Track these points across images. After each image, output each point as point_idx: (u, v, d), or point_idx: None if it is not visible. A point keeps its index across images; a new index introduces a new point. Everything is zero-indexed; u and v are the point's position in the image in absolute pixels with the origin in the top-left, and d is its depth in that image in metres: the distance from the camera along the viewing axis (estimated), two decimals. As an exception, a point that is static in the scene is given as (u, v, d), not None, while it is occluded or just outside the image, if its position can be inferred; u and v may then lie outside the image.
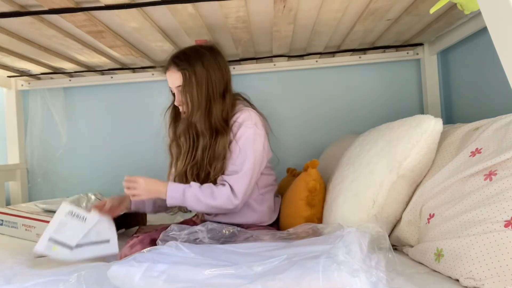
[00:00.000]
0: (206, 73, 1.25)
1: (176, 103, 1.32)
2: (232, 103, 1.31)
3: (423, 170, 1.10)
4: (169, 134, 1.40)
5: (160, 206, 1.42)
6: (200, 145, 1.29)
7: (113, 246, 1.20)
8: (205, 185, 1.24)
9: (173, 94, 1.36)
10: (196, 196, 1.20)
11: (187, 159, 1.31)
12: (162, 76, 2.00)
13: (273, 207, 1.38)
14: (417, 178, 1.11)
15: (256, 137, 1.25)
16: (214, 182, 1.27)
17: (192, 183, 1.24)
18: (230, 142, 1.25)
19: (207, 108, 1.26)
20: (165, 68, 1.33)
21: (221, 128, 1.26)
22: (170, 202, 1.22)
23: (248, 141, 1.23)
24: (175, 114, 1.40)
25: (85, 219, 1.19)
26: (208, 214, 1.38)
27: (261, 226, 1.34)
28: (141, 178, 1.21)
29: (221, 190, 1.21)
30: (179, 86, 1.28)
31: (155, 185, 1.22)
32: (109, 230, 1.22)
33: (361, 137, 1.32)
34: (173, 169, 1.39)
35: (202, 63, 1.25)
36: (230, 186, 1.21)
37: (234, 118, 1.27)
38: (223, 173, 1.26)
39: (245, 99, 1.38)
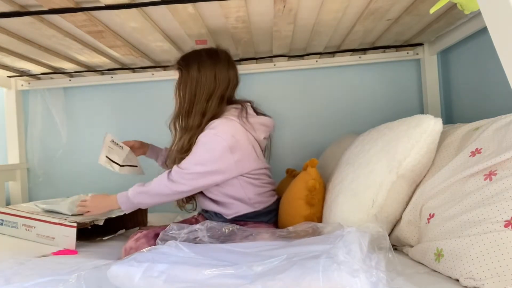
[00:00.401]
0: (197, 75, 1.34)
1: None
2: (220, 109, 1.35)
3: (422, 170, 1.10)
4: None
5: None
6: (183, 137, 1.36)
7: (140, 170, 1.61)
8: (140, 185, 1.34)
9: None
10: (136, 191, 1.31)
11: (173, 146, 1.40)
12: (162, 76, 2.03)
13: (254, 197, 1.37)
14: (417, 178, 1.11)
15: (212, 145, 1.27)
16: None
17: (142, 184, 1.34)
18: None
19: (190, 107, 1.35)
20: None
21: (192, 127, 1.33)
22: (125, 208, 1.34)
23: (200, 143, 1.28)
24: None
25: (122, 147, 1.54)
26: (206, 211, 1.42)
27: (259, 223, 1.35)
28: (89, 198, 1.39)
29: (159, 176, 1.31)
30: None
31: (103, 201, 1.37)
32: (135, 159, 1.61)
33: (360, 137, 1.32)
34: None
35: (198, 66, 1.34)
36: (169, 172, 1.30)
37: (209, 123, 1.32)
38: None
39: (244, 109, 1.37)
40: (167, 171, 1.31)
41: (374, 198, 1.08)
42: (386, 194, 1.08)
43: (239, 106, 1.38)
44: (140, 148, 1.64)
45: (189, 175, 1.27)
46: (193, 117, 1.34)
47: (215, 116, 1.34)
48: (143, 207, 1.37)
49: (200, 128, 1.33)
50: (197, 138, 1.31)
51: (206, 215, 1.44)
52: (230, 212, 1.35)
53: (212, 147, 1.27)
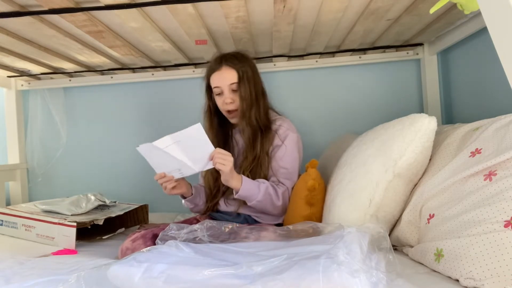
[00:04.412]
0: (253, 72, 1.37)
1: (227, 101, 1.34)
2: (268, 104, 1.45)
3: (419, 169, 1.10)
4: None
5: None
6: (258, 140, 1.34)
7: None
8: (268, 182, 1.30)
9: (210, 98, 1.42)
10: (267, 191, 1.26)
11: (247, 156, 1.35)
12: (162, 76, 2.03)
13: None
14: (414, 177, 1.11)
15: (299, 144, 1.40)
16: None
17: (260, 179, 1.29)
18: (277, 144, 1.34)
19: (258, 104, 1.36)
20: (212, 68, 1.37)
21: (267, 123, 1.37)
22: (243, 190, 1.23)
23: (294, 146, 1.35)
24: (212, 117, 1.44)
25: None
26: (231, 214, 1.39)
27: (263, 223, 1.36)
28: (231, 156, 1.20)
29: (284, 192, 1.31)
30: (234, 83, 1.33)
31: (233, 172, 1.22)
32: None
33: (358, 138, 1.33)
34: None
35: (249, 64, 1.37)
36: (287, 189, 1.32)
37: (278, 123, 1.37)
38: (269, 173, 1.35)
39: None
40: (286, 188, 1.32)
41: (371, 198, 1.08)
42: (383, 194, 1.08)
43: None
44: (182, 184, 1.35)
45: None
46: (262, 113, 1.36)
47: (270, 110, 1.43)
48: (250, 204, 1.28)
49: (269, 122, 1.38)
50: (269, 136, 1.34)
51: (230, 218, 1.36)
52: (269, 219, 1.36)
53: (299, 148, 1.39)
